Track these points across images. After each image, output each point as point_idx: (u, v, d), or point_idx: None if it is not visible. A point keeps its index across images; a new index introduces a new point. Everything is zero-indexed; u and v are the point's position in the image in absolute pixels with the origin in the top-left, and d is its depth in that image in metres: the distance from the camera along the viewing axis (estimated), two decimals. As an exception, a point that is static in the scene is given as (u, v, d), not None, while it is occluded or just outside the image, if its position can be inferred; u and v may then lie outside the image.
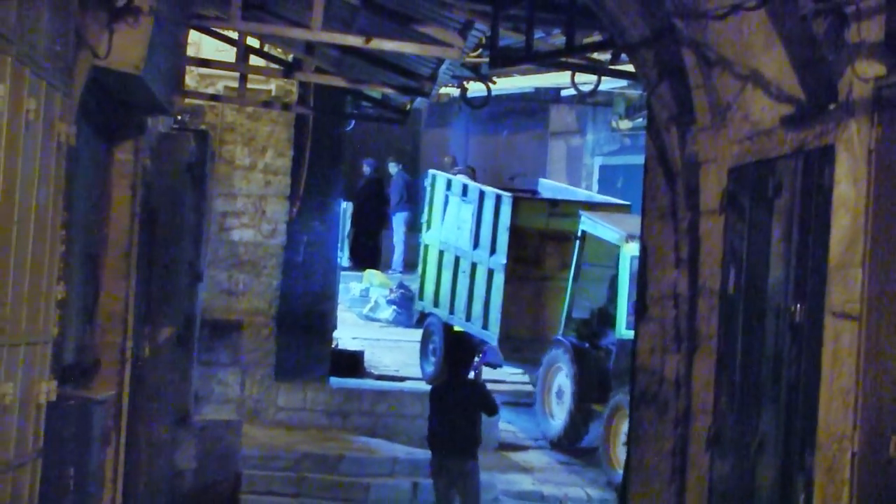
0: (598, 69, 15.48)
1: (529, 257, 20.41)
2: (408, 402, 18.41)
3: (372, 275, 28.34)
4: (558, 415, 19.13)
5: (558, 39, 15.61)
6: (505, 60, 15.19)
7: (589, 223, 19.28)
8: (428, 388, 17.28)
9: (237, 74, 15.36)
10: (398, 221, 30.19)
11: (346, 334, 23.48)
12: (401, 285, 27.30)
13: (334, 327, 20.53)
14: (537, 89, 27.96)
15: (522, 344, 20.21)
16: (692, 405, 9.90)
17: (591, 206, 20.82)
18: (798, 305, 8.26)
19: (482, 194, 21.48)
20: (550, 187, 24.82)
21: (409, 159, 31.30)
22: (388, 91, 16.47)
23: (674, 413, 10.56)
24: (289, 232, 18.60)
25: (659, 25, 10.17)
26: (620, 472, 15.46)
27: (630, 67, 13.01)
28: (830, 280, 7.69)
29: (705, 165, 9.72)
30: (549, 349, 19.26)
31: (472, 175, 29.55)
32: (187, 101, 15.18)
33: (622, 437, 17.23)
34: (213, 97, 16.73)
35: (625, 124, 27.77)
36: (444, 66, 14.70)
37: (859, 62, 7.37)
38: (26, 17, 6.72)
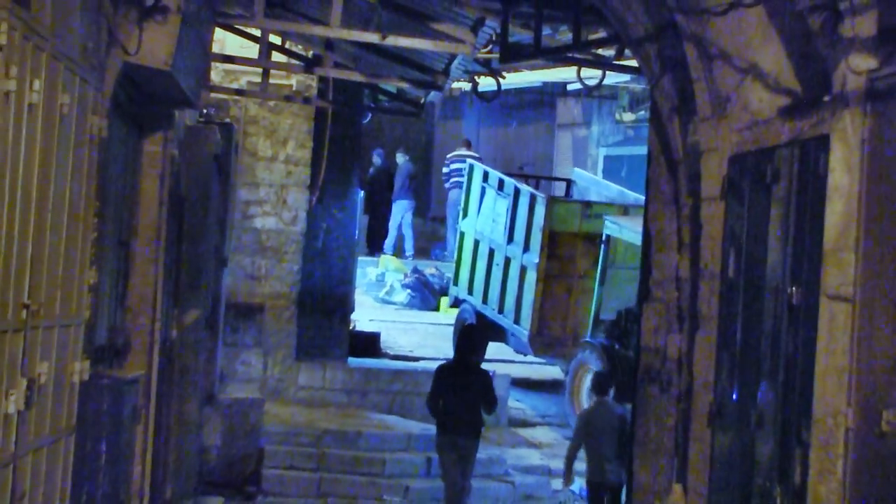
0: (603, 64, 15.47)
1: (562, 256, 19.97)
2: (422, 381, 18.35)
3: (388, 260, 28.34)
4: None
5: (565, 36, 15.58)
6: (514, 56, 15.17)
7: (613, 227, 18.96)
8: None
9: (260, 70, 15.37)
10: (398, 208, 30.05)
11: (364, 316, 23.49)
12: (415, 270, 27.29)
13: (352, 310, 20.53)
14: (545, 83, 27.99)
15: (553, 340, 19.88)
16: (694, 382, 9.90)
17: (625, 208, 20.40)
18: (794, 287, 8.26)
19: (517, 191, 20.99)
20: (585, 178, 24.61)
21: (423, 150, 31.30)
22: (404, 85, 16.46)
23: (676, 390, 10.57)
24: (309, 219, 18.62)
25: (661, 21, 10.17)
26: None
27: (633, 62, 13.00)
28: (825, 263, 7.68)
29: (706, 154, 9.71)
30: (578, 351, 18.96)
31: (468, 146, 29.75)
32: (213, 95, 15.23)
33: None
34: (237, 91, 16.75)
35: (628, 116, 27.78)
36: (456, 62, 14.70)
37: (853, 56, 7.35)
38: (60, 17, 6.72)
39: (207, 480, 14.66)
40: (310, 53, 16.75)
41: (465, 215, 22.84)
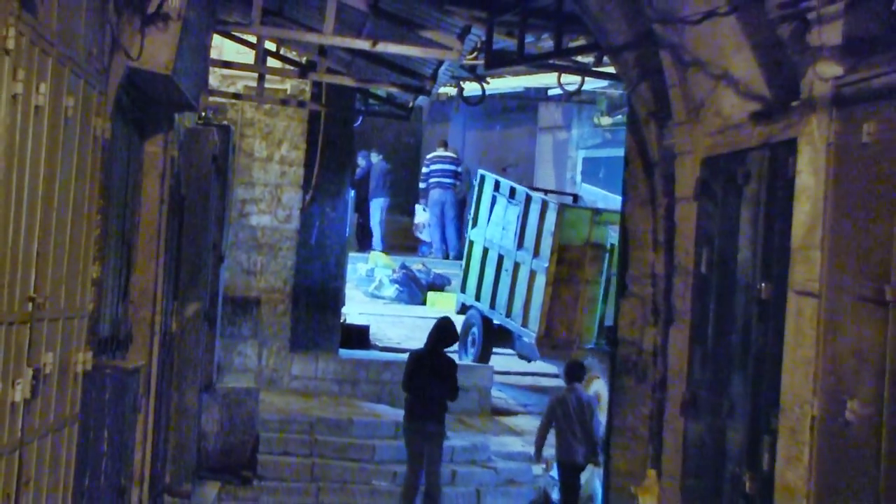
0: (583, 70, 15.48)
1: (571, 262, 19.62)
2: (404, 371, 18.40)
3: (377, 256, 28.33)
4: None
5: (547, 43, 15.58)
6: (499, 62, 15.18)
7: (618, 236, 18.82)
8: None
9: (256, 75, 15.36)
10: (375, 206, 30.00)
11: (354, 310, 23.45)
12: (403, 266, 27.28)
13: (343, 304, 20.51)
14: (527, 88, 27.93)
15: (560, 343, 19.53)
16: (668, 373, 9.91)
17: None
18: (764, 283, 8.27)
19: (529, 198, 20.63)
20: (592, 193, 24.33)
21: (412, 152, 31.26)
22: (393, 90, 16.46)
23: (652, 380, 10.58)
24: (302, 217, 18.60)
25: (639, 30, 10.17)
26: None
27: (611, 69, 13.00)
28: (793, 260, 7.69)
29: (681, 156, 9.72)
30: (584, 358, 18.45)
31: (445, 146, 29.78)
32: (211, 98, 15.19)
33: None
34: (235, 95, 16.75)
35: (606, 120, 27.75)
36: (443, 67, 14.71)
37: (820, 63, 7.37)
38: (66, 23, 6.71)
39: (206, 466, 14.63)
40: (304, 59, 16.75)
41: (474, 225, 22.41)
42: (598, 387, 18.04)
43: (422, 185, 30.19)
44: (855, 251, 7.07)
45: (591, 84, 22.22)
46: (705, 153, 9.34)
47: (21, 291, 6.18)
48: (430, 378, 14.41)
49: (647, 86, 10.42)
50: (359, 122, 21.71)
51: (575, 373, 15.67)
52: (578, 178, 28.82)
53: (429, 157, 30.39)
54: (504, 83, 26.54)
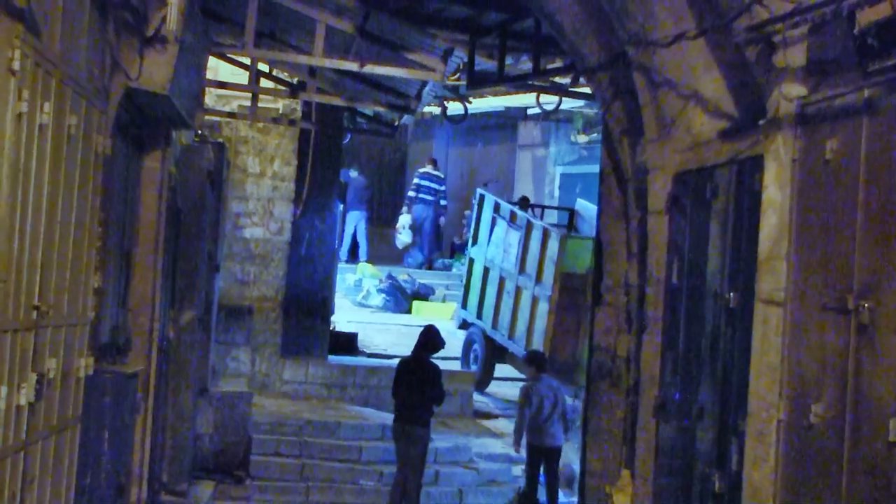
0: (560, 90, 15.53)
1: (574, 289, 18.97)
2: (393, 378, 18.38)
3: (364, 267, 28.31)
4: None
5: (526, 65, 15.60)
6: (480, 83, 15.23)
7: None
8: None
9: (250, 94, 15.34)
10: (350, 219, 29.91)
11: (343, 318, 23.41)
12: (389, 276, 27.26)
13: (332, 312, 20.49)
14: (507, 107, 27.98)
15: (564, 367, 19.01)
16: (641, 378, 9.91)
17: None
18: (732, 293, 8.28)
19: (530, 225, 20.07)
20: (588, 209, 24.06)
21: (397, 168, 31.26)
22: (380, 108, 16.45)
23: (625, 385, 10.58)
24: (293, 230, 18.58)
25: (613, 52, 10.19)
26: None
27: (587, 89, 13.05)
28: (760, 271, 7.71)
29: (653, 172, 9.73)
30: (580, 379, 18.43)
31: (434, 165, 29.77)
32: (207, 117, 15.19)
33: None
34: (229, 114, 16.71)
35: (582, 138, 27.76)
36: (427, 87, 14.70)
37: (785, 84, 7.39)
38: (69, 45, 6.70)
39: (201, 466, 14.61)
40: (295, 80, 16.73)
41: (474, 242, 21.90)
42: None
43: (411, 194, 30.15)
44: (818, 262, 7.09)
45: (568, 103, 22.21)
46: (676, 169, 9.36)
47: (26, 300, 6.17)
48: (415, 383, 14.39)
49: (620, 105, 10.44)
50: (347, 140, 21.68)
51: (539, 362, 15.92)
52: (556, 192, 28.84)
53: (420, 171, 30.37)
54: (485, 102, 26.58)
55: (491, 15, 13.28)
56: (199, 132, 13.75)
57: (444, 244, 31.20)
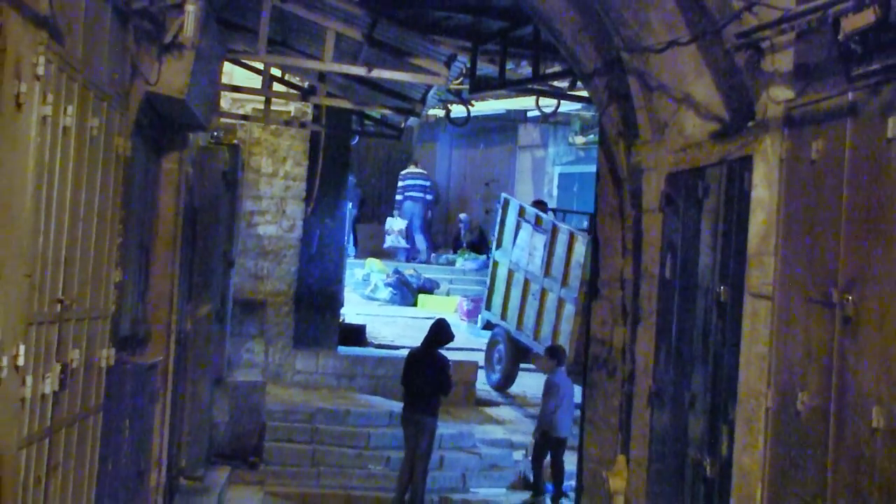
0: (559, 94, 15.51)
1: None
2: (402, 367, 18.35)
3: (372, 262, 28.31)
4: None
5: (526, 70, 15.59)
6: (482, 87, 15.21)
7: None
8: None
9: (263, 98, 15.36)
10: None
11: (351, 311, 23.43)
12: (396, 271, 27.27)
13: (342, 305, 20.49)
14: (508, 110, 27.99)
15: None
16: (636, 368, 9.91)
17: None
18: (722, 287, 8.28)
19: (556, 228, 19.59)
20: None
21: (403, 168, 31.24)
22: (386, 112, 16.45)
23: (621, 375, 10.58)
24: (304, 227, 18.59)
25: (609, 58, 10.18)
26: None
27: (584, 93, 13.02)
28: (749, 266, 7.70)
29: (647, 172, 9.73)
30: None
31: (416, 165, 29.88)
32: (222, 120, 15.19)
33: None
34: (243, 117, 16.73)
35: (580, 140, 27.76)
36: (432, 91, 14.71)
37: (773, 88, 7.38)
38: (91, 51, 6.70)
39: (216, 452, 14.62)
40: (306, 84, 16.74)
41: (498, 246, 21.43)
42: None
43: (398, 197, 30.30)
44: (805, 257, 7.08)
45: (566, 106, 22.24)
46: (669, 169, 9.35)
47: (50, 294, 6.17)
48: (424, 374, 14.39)
49: (616, 108, 10.43)
50: (355, 142, 21.68)
51: (559, 356, 16.09)
52: (555, 191, 28.84)
53: (403, 173, 30.47)
54: (487, 106, 26.59)
55: (493, 23, 13.27)
56: (215, 134, 13.75)
57: (437, 240, 31.40)
